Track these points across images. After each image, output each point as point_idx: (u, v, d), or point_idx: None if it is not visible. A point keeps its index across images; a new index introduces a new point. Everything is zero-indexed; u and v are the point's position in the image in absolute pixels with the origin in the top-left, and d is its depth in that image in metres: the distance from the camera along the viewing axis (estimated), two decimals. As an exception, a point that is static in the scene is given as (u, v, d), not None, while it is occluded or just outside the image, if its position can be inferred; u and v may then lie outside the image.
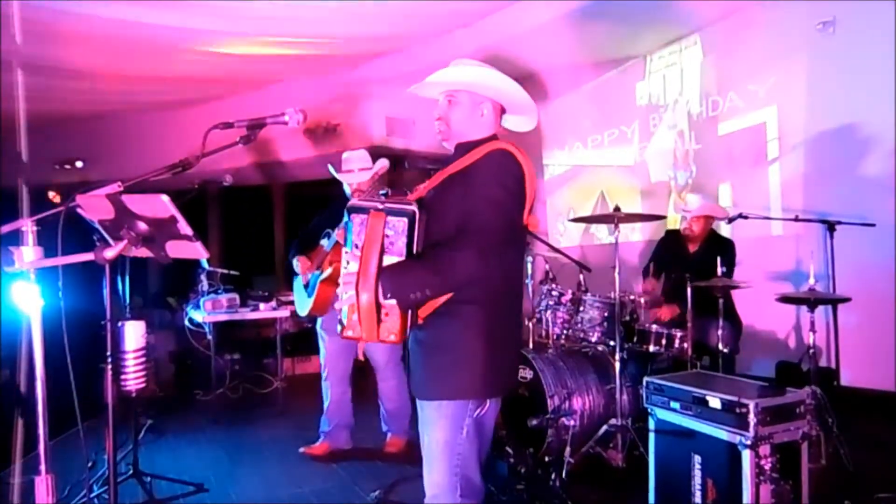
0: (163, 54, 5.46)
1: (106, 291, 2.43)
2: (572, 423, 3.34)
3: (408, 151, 6.95)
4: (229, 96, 6.95)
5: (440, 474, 1.82)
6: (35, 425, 1.81)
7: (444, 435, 1.80)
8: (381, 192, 1.76)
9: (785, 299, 3.48)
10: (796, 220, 3.88)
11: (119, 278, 3.46)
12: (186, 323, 5.33)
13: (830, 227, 3.79)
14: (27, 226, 1.77)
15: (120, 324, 2.96)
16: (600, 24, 5.33)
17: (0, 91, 5.55)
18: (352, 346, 3.52)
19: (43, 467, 1.80)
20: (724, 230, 4.68)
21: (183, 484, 3.27)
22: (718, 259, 3.51)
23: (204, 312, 4.91)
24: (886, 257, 4.23)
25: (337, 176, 3.58)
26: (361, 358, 2.01)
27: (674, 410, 2.64)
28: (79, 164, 7.79)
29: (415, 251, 1.68)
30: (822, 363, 4.12)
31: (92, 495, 2.94)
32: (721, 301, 3.53)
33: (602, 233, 6.78)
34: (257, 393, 5.60)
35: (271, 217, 8.75)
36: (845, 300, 3.36)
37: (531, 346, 3.93)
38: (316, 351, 3.90)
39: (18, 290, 1.78)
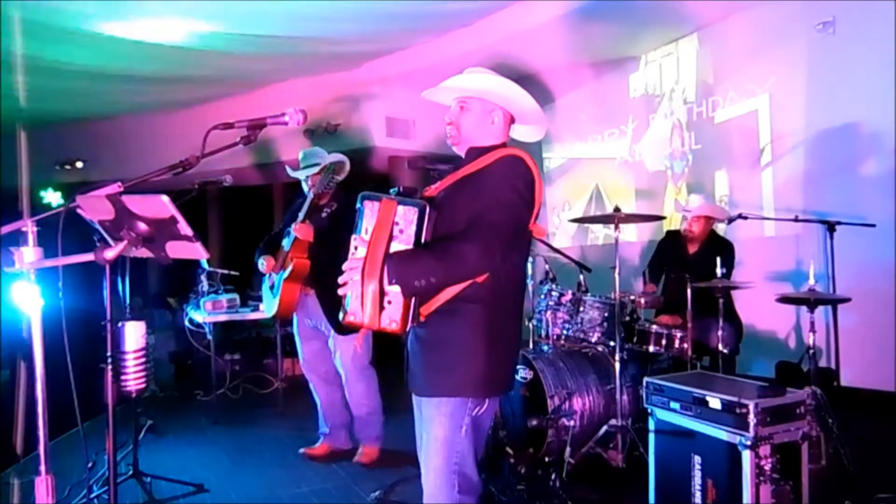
0: (163, 54, 5.46)
1: (106, 292, 2.43)
2: (572, 423, 3.34)
3: (408, 152, 6.96)
4: (229, 96, 6.96)
5: (439, 471, 1.83)
6: (35, 425, 1.81)
7: (443, 432, 1.82)
8: (392, 189, 1.79)
9: (785, 299, 3.48)
10: (796, 220, 3.88)
11: (119, 279, 3.46)
12: (186, 323, 5.33)
13: (830, 227, 3.79)
14: (27, 226, 1.77)
15: (120, 324, 2.96)
16: (600, 25, 5.33)
17: (0, 91, 5.56)
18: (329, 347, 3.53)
19: (43, 467, 1.79)
20: (724, 230, 4.68)
21: (183, 484, 3.26)
22: (718, 260, 3.51)
23: (204, 313, 4.91)
24: (886, 257, 4.23)
25: (292, 174, 3.60)
26: (360, 348, 2.01)
27: (674, 411, 2.64)
28: (79, 164, 7.80)
29: (423, 242, 1.70)
30: (822, 363, 4.12)
31: (92, 496, 2.94)
32: (721, 302, 3.53)
33: (597, 228, 6.77)
34: (257, 393, 5.60)
35: (271, 217, 8.75)
36: (845, 300, 3.36)
37: (531, 346, 3.93)
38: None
39: (18, 290, 1.78)
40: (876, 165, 4.45)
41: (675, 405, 2.63)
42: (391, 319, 1.67)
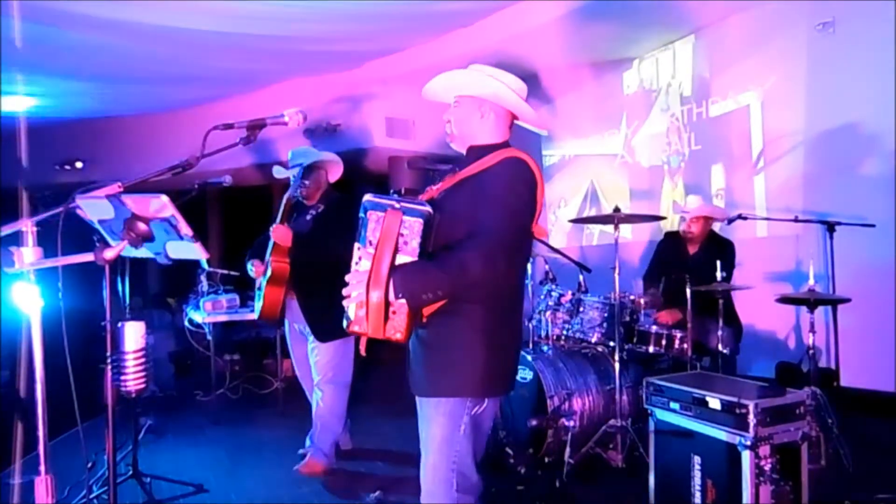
0: (163, 54, 5.46)
1: (106, 292, 2.42)
2: (572, 423, 3.34)
3: (407, 152, 6.95)
4: (229, 96, 6.96)
5: (437, 470, 1.84)
6: (34, 426, 1.81)
7: (442, 431, 1.83)
8: (394, 191, 1.77)
9: (785, 300, 3.49)
10: (796, 220, 3.87)
11: (119, 279, 3.46)
12: (186, 323, 5.33)
13: (830, 227, 3.78)
14: (27, 226, 1.77)
15: (120, 324, 2.95)
16: (600, 25, 5.33)
17: (0, 92, 5.55)
18: None
19: (43, 468, 1.80)
20: (719, 228, 4.67)
21: (183, 485, 3.26)
22: (718, 262, 3.50)
23: (204, 313, 4.91)
24: (886, 258, 4.23)
25: (277, 175, 3.49)
26: (364, 353, 2.01)
27: (673, 411, 2.64)
28: (79, 164, 7.80)
29: (428, 252, 1.69)
30: (822, 364, 4.12)
31: (91, 496, 2.94)
32: (721, 302, 3.53)
33: (593, 225, 6.76)
34: (257, 393, 5.60)
35: (271, 217, 8.76)
36: (845, 301, 3.36)
37: (531, 346, 3.93)
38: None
39: (18, 290, 1.78)
40: (876, 166, 4.44)
41: (674, 405, 2.64)
42: (396, 330, 1.67)
